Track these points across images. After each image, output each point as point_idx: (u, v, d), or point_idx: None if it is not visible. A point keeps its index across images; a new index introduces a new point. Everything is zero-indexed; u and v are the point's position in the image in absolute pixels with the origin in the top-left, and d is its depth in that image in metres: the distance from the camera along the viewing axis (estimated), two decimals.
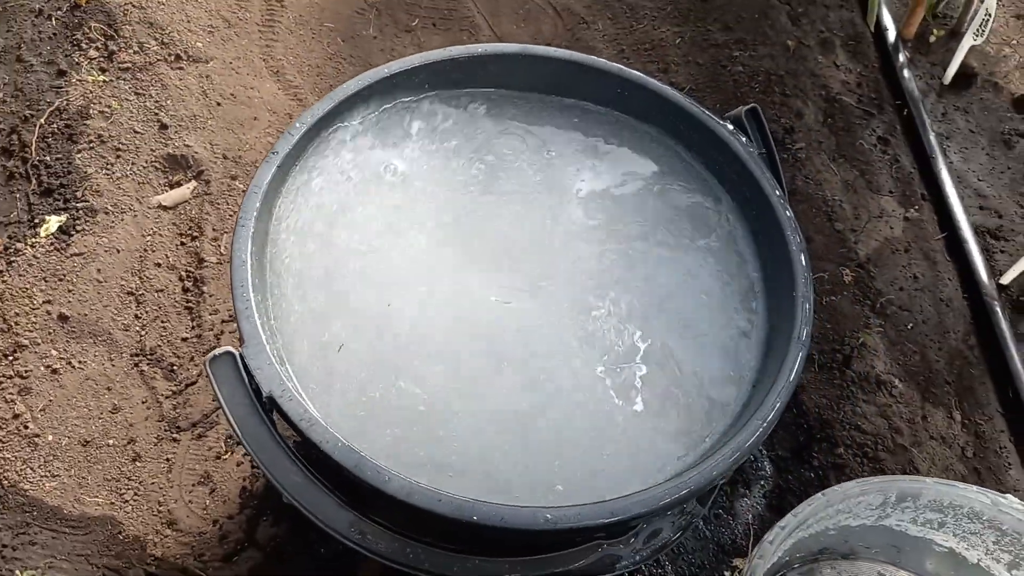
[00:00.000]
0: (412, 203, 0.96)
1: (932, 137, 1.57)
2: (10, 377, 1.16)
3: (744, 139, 0.99)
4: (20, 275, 1.24)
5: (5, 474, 1.09)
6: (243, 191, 1.37)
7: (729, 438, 0.81)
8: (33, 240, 1.27)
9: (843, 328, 1.33)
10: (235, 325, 1.25)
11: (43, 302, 1.22)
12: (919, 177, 1.54)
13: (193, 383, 1.19)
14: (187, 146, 1.39)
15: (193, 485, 1.13)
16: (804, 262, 0.89)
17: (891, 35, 1.71)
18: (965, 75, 1.66)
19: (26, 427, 1.13)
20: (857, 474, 1.19)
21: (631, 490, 0.74)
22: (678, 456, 0.83)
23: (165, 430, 1.16)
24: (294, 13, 1.62)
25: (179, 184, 1.36)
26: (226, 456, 1.15)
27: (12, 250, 1.26)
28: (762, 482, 1.20)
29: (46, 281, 1.24)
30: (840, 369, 1.29)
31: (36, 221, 1.30)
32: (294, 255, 0.90)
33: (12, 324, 1.19)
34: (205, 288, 1.26)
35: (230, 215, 1.34)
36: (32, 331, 1.19)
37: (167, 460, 1.14)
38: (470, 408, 0.83)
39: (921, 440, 1.24)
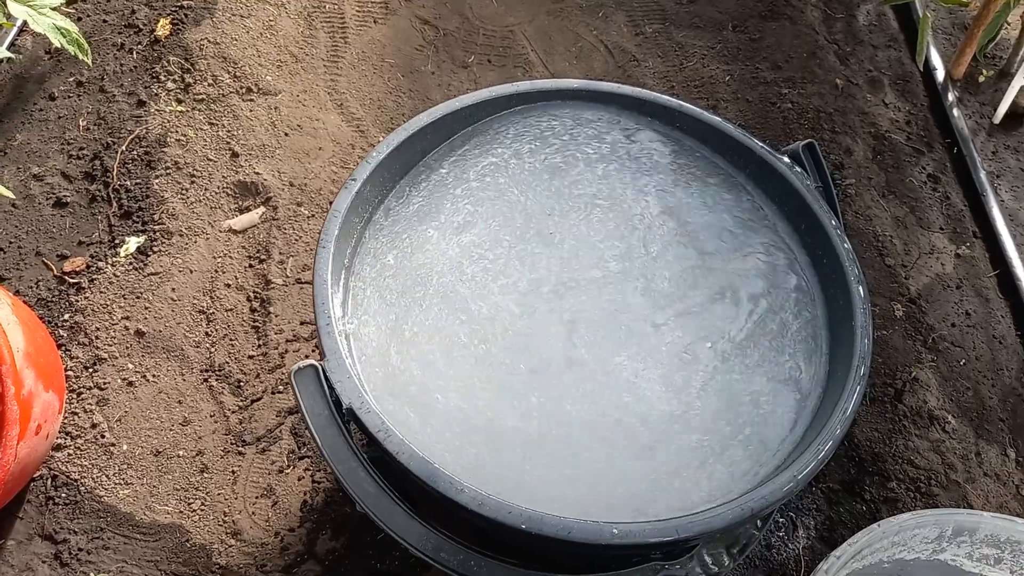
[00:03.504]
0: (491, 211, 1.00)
1: (983, 175, 1.58)
2: (90, 388, 1.22)
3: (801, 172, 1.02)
4: (101, 292, 1.31)
5: (83, 480, 1.15)
6: (308, 217, 1.44)
7: (789, 463, 0.83)
8: (113, 260, 1.34)
9: (894, 362, 1.34)
10: (298, 345, 1.30)
11: (121, 318, 1.28)
12: (970, 215, 1.55)
13: (258, 399, 1.24)
14: (256, 174, 1.46)
15: (256, 497, 1.17)
16: (863, 295, 0.91)
17: (940, 75, 1.73)
18: (1015, 115, 1.67)
19: (103, 436, 1.18)
20: (910, 509, 1.19)
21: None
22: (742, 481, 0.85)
23: (231, 443, 1.20)
24: (357, 49, 1.69)
25: (248, 209, 1.43)
26: (288, 471, 1.19)
27: (94, 268, 1.34)
28: (813, 514, 1.20)
29: (124, 298, 1.30)
30: (892, 403, 1.29)
31: (116, 242, 1.37)
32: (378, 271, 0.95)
33: (93, 338, 1.26)
34: (271, 308, 1.32)
35: (296, 239, 1.40)
36: (111, 345, 1.26)
37: (232, 472, 1.18)
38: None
39: (975, 477, 1.24)
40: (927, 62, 1.74)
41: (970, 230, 1.53)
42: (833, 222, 0.98)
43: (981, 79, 1.75)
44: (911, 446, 1.25)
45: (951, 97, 1.69)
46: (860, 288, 0.92)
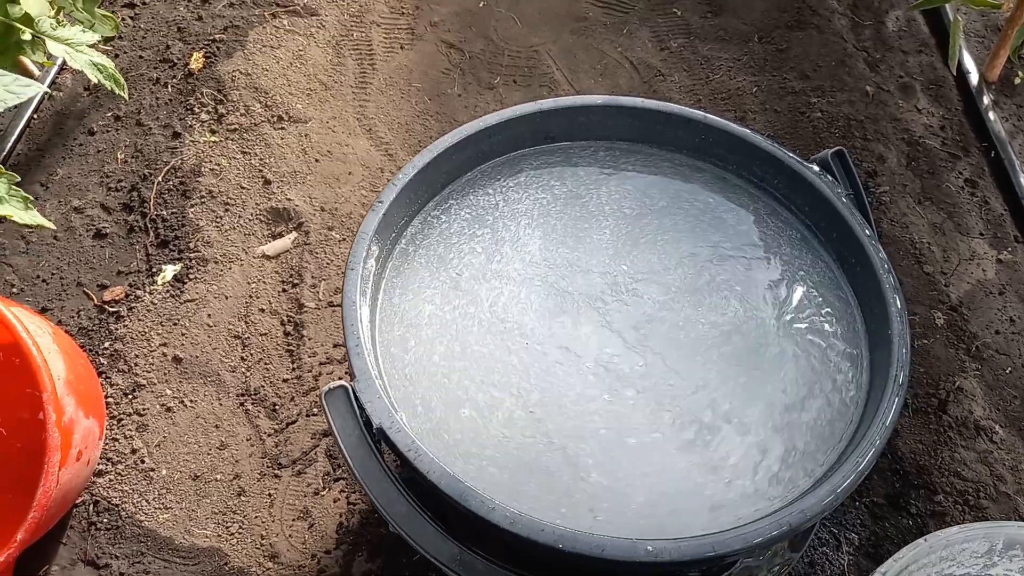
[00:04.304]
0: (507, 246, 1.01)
1: (1023, 179, 1.54)
2: (129, 415, 1.24)
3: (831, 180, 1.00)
4: (139, 320, 1.33)
5: (124, 506, 1.17)
6: (339, 240, 1.45)
7: (827, 478, 0.81)
8: (151, 288, 1.37)
9: (937, 372, 1.30)
10: (331, 367, 1.31)
11: (159, 345, 1.31)
12: (1010, 219, 1.52)
13: (293, 422, 1.25)
14: (288, 200, 1.49)
15: (293, 520, 1.17)
16: (899, 303, 0.89)
17: (974, 78, 1.70)
18: None
19: (143, 461, 1.20)
20: (958, 522, 1.15)
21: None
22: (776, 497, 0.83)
23: (268, 466, 1.21)
24: (384, 75, 1.72)
25: (281, 235, 1.45)
26: (324, 492, 1.20)
27: (132, 297, 1.37)
28: (858, 529, 1.17)
29: (162, 325, 1.33)
30: (936, 414, 1.26)
31: (154, 270, 1.40)
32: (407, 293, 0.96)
33: (132, 365, 1.28)
34: (304, 332, 1.33)
35: (327, 263, 1.42)
36: (149, 372, 1.28)
37: (269, 495, 1.19)
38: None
39: None
40: (960, 66, 1.71)
41: (1011, 235, 1.49)
42: (866, 231, 0.96)
43: (1017, 81, 1.71)
44: (957, 457, 1.22)
45: (986, 100, 1.66)
46: (896, 297, 0.90)
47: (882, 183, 1.54)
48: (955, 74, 1.72)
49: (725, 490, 0.83)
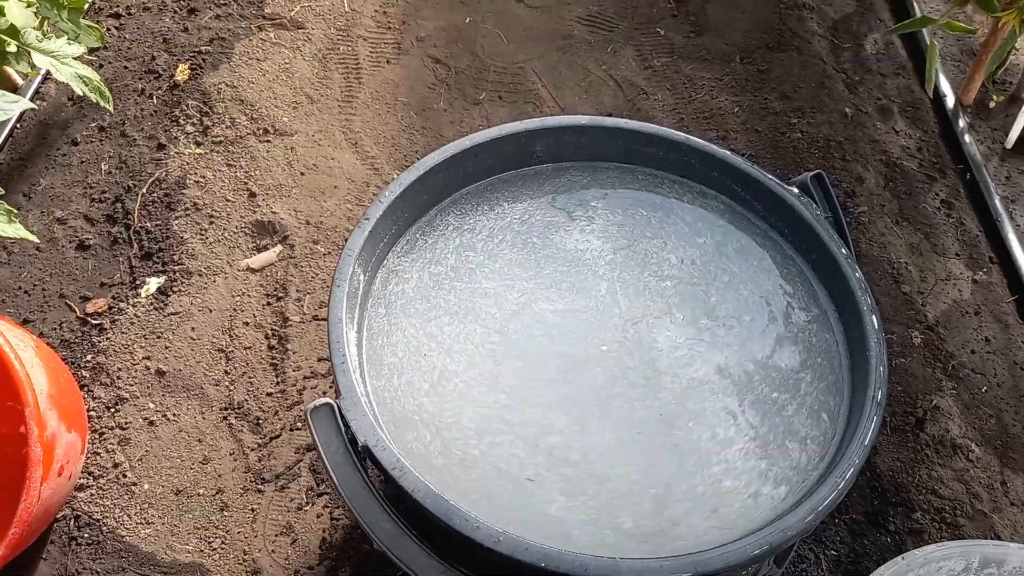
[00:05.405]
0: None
1: (997, 201, 1.57)
2: (112, 428, 1.23)
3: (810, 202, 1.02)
4: (122, 333, 1.33)
5: (105, 520, 1.16)
6: (324, 254, 1.46)
7: (807, 496, 0.82)
8: (134, 300, 1.37)
9: (914, 391, 1.32)
10: (315, 381, 1.31)
11: (142, 358, 1.30)
12: (986, 240, 1.55)
13: (277, 436, 1.25)
14: (274, 213, 1.49)
15: (276, 535, 1.17)
16: (876, 323, 0.91)
17: (950, 101, 1.73)
18: None
19: (125, 476, 1.20)
20: (936, 540, 1.18)
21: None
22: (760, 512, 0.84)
23: (251, 481, 1.21)
24: (371, 89, 1.73)
25: (266, 248, 1.45)
26: (307, 508, 1.19)
27: (116, 309, 1.36)
28: (837, 546, 1.19)
29: (145, 338, 1.32)
30: (913, 432, 1.28)
31: (137, 283, 1.39)
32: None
33: (115, 379, 1.28)
34: (289, 346, 1.33)
35: (312, 277, 1.42)
36: (132, 385, 1.27)
37: (252, 510, 1.19)
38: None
39: (1002, 506, 1.22)
40: (936, 89, 1.75)
41: (986, 255, 1.52)
42: (844, 251, 0.98)
43: (992, 105, 1.75)
44: (935, 475, 1.24)
45: (962, 123, 1.70)
46: (873, 317, 0.92)
47: (860, 203, 1.57)
48: (932, 97, 1.76)
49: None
